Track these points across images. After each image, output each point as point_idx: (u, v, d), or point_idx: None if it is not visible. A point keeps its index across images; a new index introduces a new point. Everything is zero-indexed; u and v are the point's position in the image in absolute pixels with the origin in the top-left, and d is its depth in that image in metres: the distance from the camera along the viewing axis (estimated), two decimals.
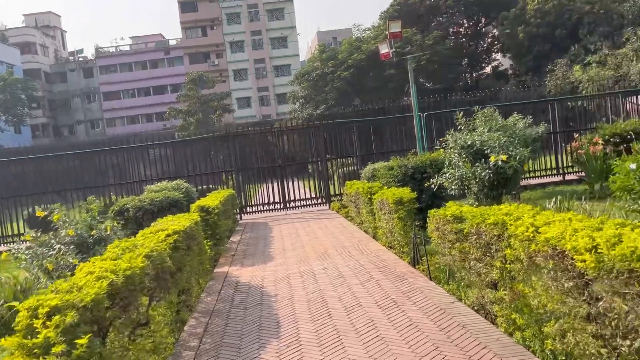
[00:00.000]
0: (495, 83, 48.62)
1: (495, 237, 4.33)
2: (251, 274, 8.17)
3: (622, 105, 19.57)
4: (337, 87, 47.78)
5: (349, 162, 18.95)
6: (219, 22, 70.90)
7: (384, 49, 14.51)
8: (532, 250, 3.59)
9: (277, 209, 16.87)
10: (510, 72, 56.52)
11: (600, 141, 14.09)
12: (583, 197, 10.22)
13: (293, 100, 52.83)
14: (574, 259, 3.02)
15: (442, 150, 11.64)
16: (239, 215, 16.41)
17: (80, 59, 75.24)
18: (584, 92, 30.81)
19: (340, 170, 18.76)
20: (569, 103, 19.65)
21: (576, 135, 15.13)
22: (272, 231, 12.88)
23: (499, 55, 59.42)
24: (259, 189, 17.85)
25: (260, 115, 67.28)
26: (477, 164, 7.38)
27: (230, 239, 12.27)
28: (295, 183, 17.17)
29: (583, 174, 14.86)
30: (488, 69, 57.95)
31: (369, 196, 9.99)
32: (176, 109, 53.77)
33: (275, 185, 17.01)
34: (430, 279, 6.66)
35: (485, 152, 7.31)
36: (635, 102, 20.53)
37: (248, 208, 17.10)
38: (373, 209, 9.64)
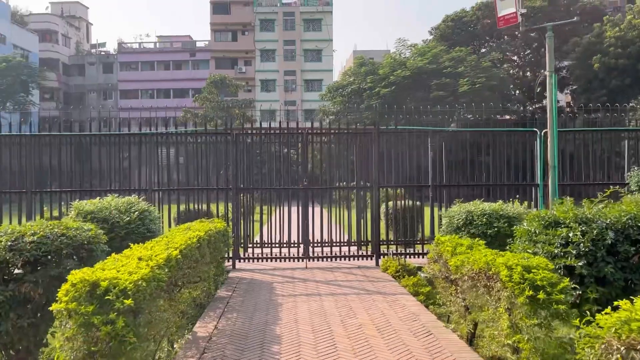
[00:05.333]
0: (557, 119, 42.00)
1: None
2: None
3: None
4: (373, 105, 41.75)
5: (401, 192, 12.78)
6: (251, 27, 66.00)
7: (506, 9, 8.38)
8: None
9: (294, 258, 10.62)
10: (567, 108, 50.14)
11: None
12: None
13: (322, 116, 46.95)
14: None
15: None
16: (231, 262, 10.22)
17: (102, 53, 70.96)
18: None
19: (390, 203, 12.55)
20: None
21: None
22: (280, 316, 6.62)
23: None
24: (270, 218, 11.74)
25: None
26: None
27: (196, 326, 6.09)
28: (317, 212, 10.99)
29: None
30: (544, 103, 51.35)
31: (543, 306, 3.82)
32: (193, 112, 48.28)
33: (292, 214, 10.83)
34: None
35: None
36: None
37: (249, 250, 10.92)
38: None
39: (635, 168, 9.94)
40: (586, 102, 43.64)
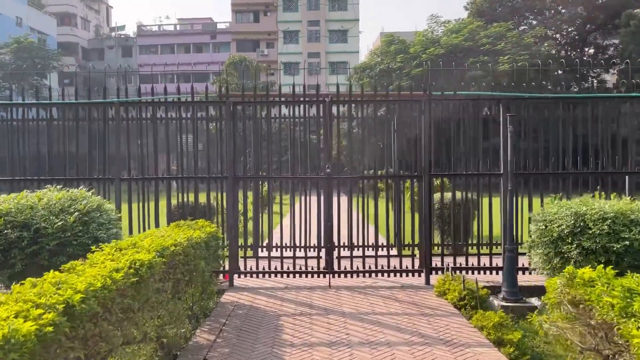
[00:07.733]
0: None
1: None
2: None
3: None
4: (403, 86, 38.46)
5: (452, 183, 9.85)
6: (273, 7, 62.94)
7: None
8: None
9: (313, 273, 7.81)
10: (614, 90, 45.95)
11: None
12: None
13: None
14: None
15: None
16: (228, 278, 7.47)
17: (121, 36, 68.97)
18: None
19: (438, 195, 9.63)
20: None
21: None
22: None
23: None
24: (282, 217, 8.92)
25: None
26: None
27: None
28: (344, 207, 8.13)
29: None
30: (594, 84, 47.14)
31: None
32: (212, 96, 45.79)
33: (311, 211, 8.03)
34: None
35: None
36: None
37: (249, 264, 8.16)
38: None
39: None
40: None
